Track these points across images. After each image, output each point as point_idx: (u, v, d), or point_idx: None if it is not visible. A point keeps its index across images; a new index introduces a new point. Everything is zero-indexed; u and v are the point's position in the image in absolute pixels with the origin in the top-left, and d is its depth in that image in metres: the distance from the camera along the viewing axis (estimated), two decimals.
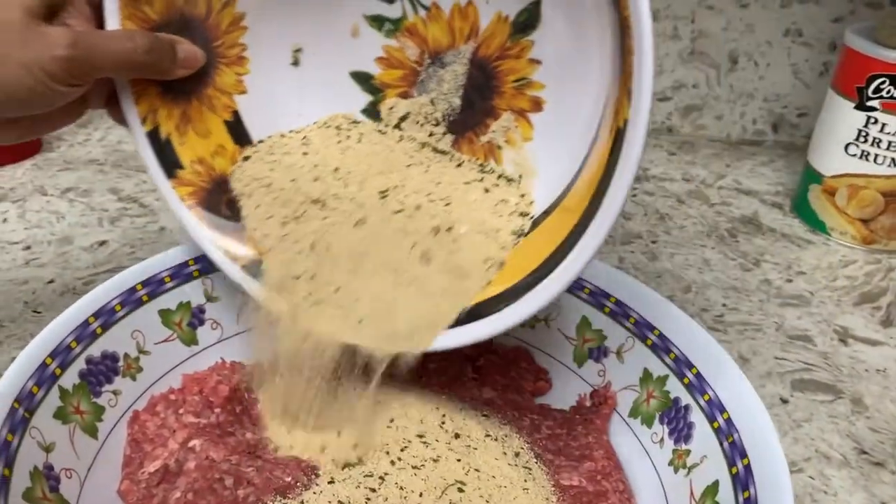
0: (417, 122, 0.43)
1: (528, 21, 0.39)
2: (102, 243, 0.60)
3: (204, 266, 0.43)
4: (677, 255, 0.62)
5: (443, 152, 0.43)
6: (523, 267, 0.36)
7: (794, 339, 0.54)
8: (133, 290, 0.41)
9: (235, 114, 0.43)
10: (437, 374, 0.44)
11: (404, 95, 0.43)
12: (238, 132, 0.43)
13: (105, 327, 0.39)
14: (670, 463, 0.38)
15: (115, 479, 0.37)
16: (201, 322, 0.44)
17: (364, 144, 0.43)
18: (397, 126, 0.44)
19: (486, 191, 0.41)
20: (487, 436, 0.39)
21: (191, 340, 0.43)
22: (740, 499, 0.33)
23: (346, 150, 0.43)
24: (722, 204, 0.71)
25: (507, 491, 0.36)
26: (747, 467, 0.33)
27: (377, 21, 0.43)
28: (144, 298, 0.41)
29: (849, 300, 0.59)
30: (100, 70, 0.36)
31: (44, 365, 0.36)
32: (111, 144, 0.75)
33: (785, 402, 0.49)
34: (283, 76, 0.44)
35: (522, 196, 0.40)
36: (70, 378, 0.37)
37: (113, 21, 0.38)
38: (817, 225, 0.67)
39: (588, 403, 0.43)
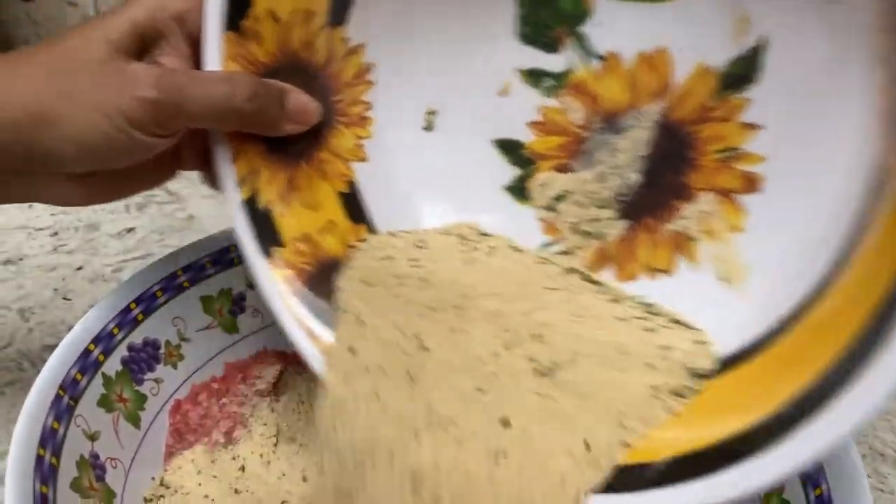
0: (578, 204, 0.34)
1: (743, 73, 0.29)
2: (130, 230, 0.59)
3: None
4: None
5: (595, 282, 0.33)
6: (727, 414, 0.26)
7: None
8: (174, 275, 0.40)
9: (352, 184, 0.35)
10: None
11: (562, 169, 0.34)
12: (353, 207, 0.35)
13: (146, 313, 0.38)
14: None
15: (158, 469, 0.36)
16: (242, 310, 0.42)
17: (495, 259, 0.34)
18: (551, 208, 0.34)
19: (648, 331, 0.30)
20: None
21: (232, 328, 0.42)
22: (811, 496, 0.32)
23: (471, 264, 0.34)
24: None
25: None
26: (817, 463, 0.32)
27: (534, 76, 0.34)
28: (185, 284, 0.40)
29: None
30: (190, 117, 0.30)
31: (87, 351, 0.35)
32: None
33: None
34: (412, 142, 0.36)
35: (700, 344, 0.29)
36: (113, 365, 0.36)
37: (213, 61, 0.32)
38: None
39: None
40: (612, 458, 0.26)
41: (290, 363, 0.41)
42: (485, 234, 0.35)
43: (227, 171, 0.33)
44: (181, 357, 0.40)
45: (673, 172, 0.31)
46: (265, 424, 0.37)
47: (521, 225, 0.35)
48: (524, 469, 0.26)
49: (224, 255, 0.42)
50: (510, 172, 0.35)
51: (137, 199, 0.63)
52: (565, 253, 0.34)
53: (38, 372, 0.32)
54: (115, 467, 0.34)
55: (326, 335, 0.31)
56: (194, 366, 0.40)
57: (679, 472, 0.25)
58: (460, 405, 0.28)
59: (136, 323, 0.38)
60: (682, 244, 0.31)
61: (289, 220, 0.34)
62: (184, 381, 0.39)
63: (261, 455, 0.36)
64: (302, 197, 0.34)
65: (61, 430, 0.32)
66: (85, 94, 0.28)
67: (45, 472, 0.30)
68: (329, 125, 0.35)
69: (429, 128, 0.36)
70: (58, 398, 0.32)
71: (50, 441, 0.31)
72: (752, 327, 0.28)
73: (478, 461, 0.26)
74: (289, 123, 0.32)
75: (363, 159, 0.36)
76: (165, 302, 0.39)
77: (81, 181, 0.32)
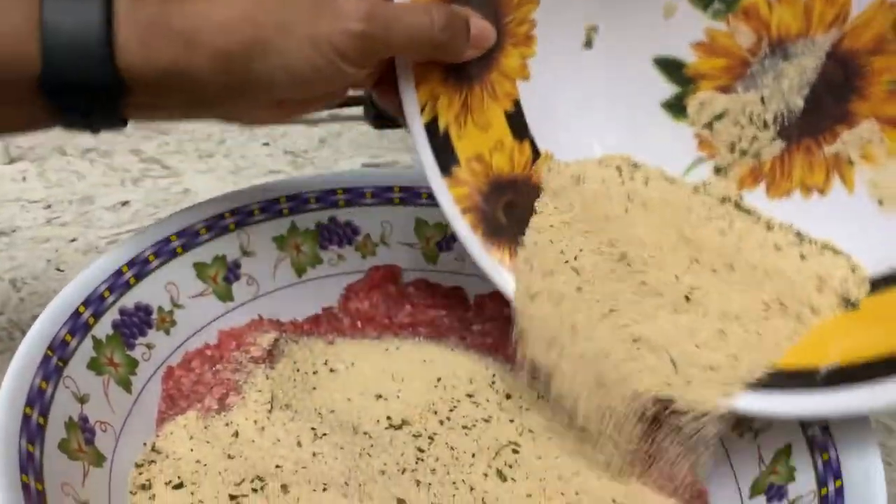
0: (737, 124, 0.35)
1: None
2: (125, 203, 0.58)
3: (240, 219, 0.41)
4: None
5: (748, 211, 0.35)
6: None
7: None
8: (167, 240, 0.39)
9: (517, 103, 0.37)
10: (482, 336, 0.42)
11: (724, 90, 0.35)
12: (517, 125, 0.38)
13: (139, 277, 0.37)
14: (734, 428, 0.36)
15: (150, 435, 0.35)
16: (237, 277, 0.42)
17: (651, 190, 0.36)
18: (708, 126, 0.36)
19: (803, 258, 0.33)
20: (540, 397, 0.37)
21: (226, 296, 0.41)
22: (819, 461, 0.31)
23: (632, 197, 0.36)
24: None
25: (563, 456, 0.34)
26: (825, 428, 0.31)
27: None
28: (179, 250, 0.39)
29: None
30: (393, 48, 0.32)
31: (77, 313, 0.34)
32: None
33: None
34: (572, 59, 0.38)
35: (853, 271, 0.32)
36: (103, 328, 0.35)
37: None
38: None
39: None
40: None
41: (286, 331, 0.41)
42: (636, 166, 0.37)
43: (411, 97, 0.35)
44: (174, 323, 0.39)
45: (838, 99, 0.32)
46: (260, 391, 0.36)
47: (676, 140, 0.37)
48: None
49: (218, 221, 0.41)
50: (669, 90, 0.37)
51: (133, 173, 0.62)
52: (718, 170, 0.36)
53: None
54: (104, 431, 0.33)
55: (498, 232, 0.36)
56: (187, 332, 0.39)
57: (841, 378, 0.28)
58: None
59: (127, 286, 0.37)
60: (840, 166, 0.33)
61: (464, 142, 0.36)
62: (177, 348, 0.39)
63: (255, 421, 0.35)
64: (475, 118, 0.37)
65: (49, 391, 0.31)
66: (300, 25, 0.29)
67: (31, 430, 0.29)
68: (499, 47, 0.36)
69: (589, 44, 0.38)
70: (46, 358, 0.31)
71: (37, 401, 0.30)
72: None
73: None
74: (472, 48, 0.34)
75: (527, 77, 0.38)
76: (158, 267, 0.38)
77: (277, 104, 0.33)
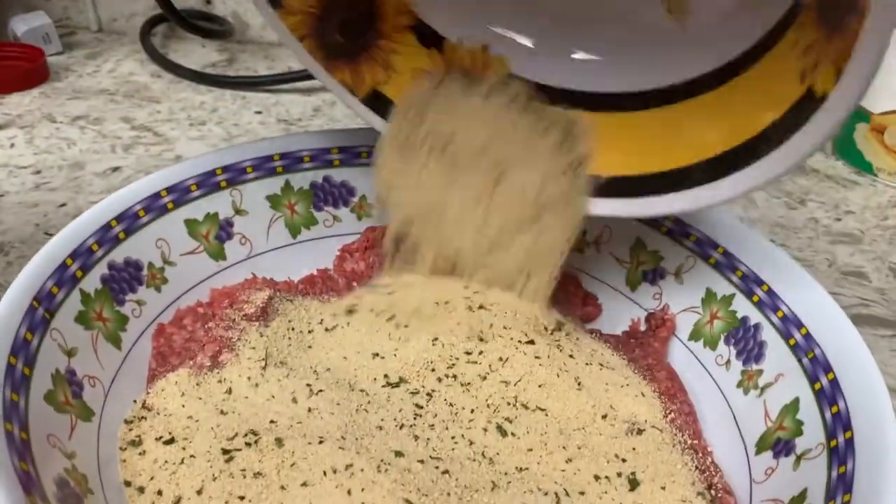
0: None
1: None
2: (116, 169, 0.57)
3: (232, 176, 0.40)
4: None
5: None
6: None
7: (848, 276, 0.51)
8: (157, 195, 0.38)
9: None
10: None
11: None
12: None
13: (128, 232, 0.36)
14: (739, 385, 0.35)
15: (140, 393, 0.34)
16: (229, 236, 0.41)
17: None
18: None
19: None
20: (537, 357, 0.36)
21: (218, 255, 0.40)
22: (827, 414, 0.30)
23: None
24: None
25: (565, 405, 0.33)
26: (833, 381, 0.31)
27: None
28: (170, 206, 0.38)
29: None
30: None
31: (64, 265, 0.33)
32: (122, 76, 0.72)
33: None
34: None
35: None
36: (91, 282, 0.34)
37: None
38: (863, 165, 0.64)
39: (643, 328, 0.40)
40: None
41: (280, 290, 0.40)
42: None
43: None
44: (165, 280, 0.38)
45: None
46: (253, 348, 0.35)
47: None
48: None
49: (209, 178, 0.40)
50: None
51: (124, 140, 0.61)
52: None
53: None
54: (93, 386, 0.32)
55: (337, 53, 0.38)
56: (178, 290, 0.38)
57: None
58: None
59: (117, 241, 0.36)
60: None
61: None
62: (168, 306, 0.38)
63: (248, 378, 0.34)
64: None
65: (35, 342, 0.30)
66: None
67: (16, 380, 0.28)
68: None
69: None
70: (31, 309, 0.30)
71: (22, 351, 0.29)
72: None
73: None
74: None
75: None
76: (148, 223, 0.37)
77: None
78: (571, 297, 0.42)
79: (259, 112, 0.66)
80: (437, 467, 0.29)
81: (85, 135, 0.61)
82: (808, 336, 0.33)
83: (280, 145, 0.42)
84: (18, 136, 0.60)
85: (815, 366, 0.32)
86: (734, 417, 0.35)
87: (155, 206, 0.38)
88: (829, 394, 0.31)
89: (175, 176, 0.39)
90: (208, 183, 0.40)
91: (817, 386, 0.31)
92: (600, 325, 0.42)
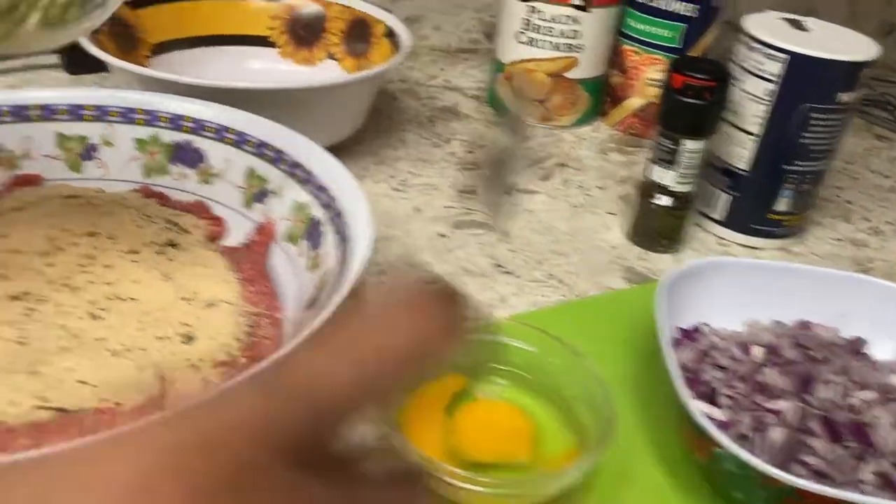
0: None
1: None
2: None
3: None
4: (378, 139, 0.69)
5: None
6: None
7: (464, 193, 0.63)
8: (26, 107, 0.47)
9: None
10: None
11: None
12: None
13: None
14: (308, 267, 0.45)
15: None
16: (90, 158, 0.50)
17: None
18: None
19: None
20: (135, 262, 0.44)
21: (75, 168, 0.50)
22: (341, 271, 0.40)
23: None
24: (428, 98, 0.79)
25: (154, 294, 0.41)
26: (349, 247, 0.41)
27: None
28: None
29: (522, 164, 0.68)
30: None
31: None
32: None
33: (444, 236, 0.57)
34: None
35: None
36: None
37: None
38: (503, 108, 0.76)
39: (255, 238, 0.49)
40: None
41: None
42: None
43: None
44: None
45: None
46: None
47: None
48: None
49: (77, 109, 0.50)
50: None
51: None
52: None
53: None
54: None
55: None
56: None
57: None
58: None
59: None
60: None
61: None
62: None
63: None
64: None
65: None
66: None
67: None
68: None
69: None
70: None
71: None
72: None
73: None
74: None
75: None
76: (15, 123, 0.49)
77: None
78: (200, 222, 0.50)
79: None
80: (18, 343, 0.37)
81: None
82: (345, 223, 0.43)
83: None
84: None
85: (341, 239, 0.42)
86: (303, 291, 0.44)
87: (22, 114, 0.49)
88: (346, 257, 0.41)
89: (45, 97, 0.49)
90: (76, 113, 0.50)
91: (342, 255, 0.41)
92: (229, 241, 0.50)
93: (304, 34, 0.74)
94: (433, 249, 0.55)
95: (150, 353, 0.37)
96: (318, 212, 0.46)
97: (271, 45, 0.74)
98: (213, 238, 0.50)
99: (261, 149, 0.49)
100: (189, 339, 0.39)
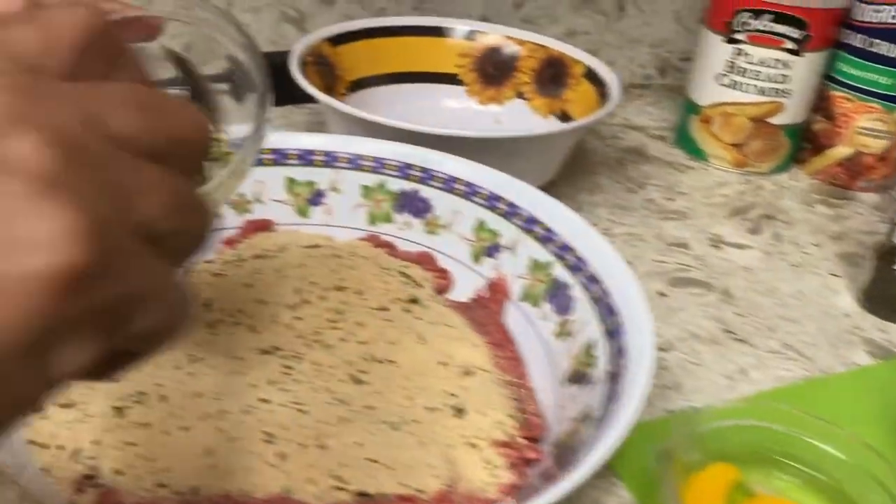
0: None
1: None
2: None
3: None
4: (573, 183, 0.67)
5: None
6: None
7: (672, 246, 0.60)
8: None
9: None
10: None
11: None
12: None
13: None
14: (556, 334, 0.43)
15: None
16: (318, 204, 0.51)
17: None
18: None
19: None
20: (387, 320, 0.43)
21: (303, 213, 0.50)
22: (611, 348, 0.38)
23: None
24: (612, 138, 0.77)
25: (411, 357, 0.40)
26: (618, 325, 0.38)
27: None
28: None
29: (721, 213, 0.65)
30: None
31: None
32: None
33: (663, 295, 0.54)
34: None
35: None
36: None
37: None
38: (697, 153, 0.73)
39: (486, 294, 0.47)
40: None
41: None
42: None
43: None
44: None
45: None
46: None
47: None
48: None
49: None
50: None
51: None
52: None
53: None
54: None
55: None
56: None
57: None
58: None
59: None
60: None
61: None
62: None
63: None
64: None
65: None
66: None
67: None
68: None
69: None
70: None
71: None
72: None
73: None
74: None
75: None
76: None
77: None
78: (427, 273, 0.49)
79: None
80: (298, 410, 0.36)
81: None
82: (604, 291, 0.41)
83: None
84: None
85: (605, 312, 0.40)
86: (551, 359, 0.42)
87: None
88: (614, 333, 0.38)
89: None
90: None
91: (607, 328, 0.39)
92: (454, 295, 0.49)
93: (494, 72, 0.72)
94: (655, 310, 0.52)
95: (425, 427, 0.36)
96: (561, 273, 0.44)
97: (458, 82, 0.73)
98: (440, 291, 0.49)
99: (492, 201, 0.48)
100: (459, 411, 0.37)
